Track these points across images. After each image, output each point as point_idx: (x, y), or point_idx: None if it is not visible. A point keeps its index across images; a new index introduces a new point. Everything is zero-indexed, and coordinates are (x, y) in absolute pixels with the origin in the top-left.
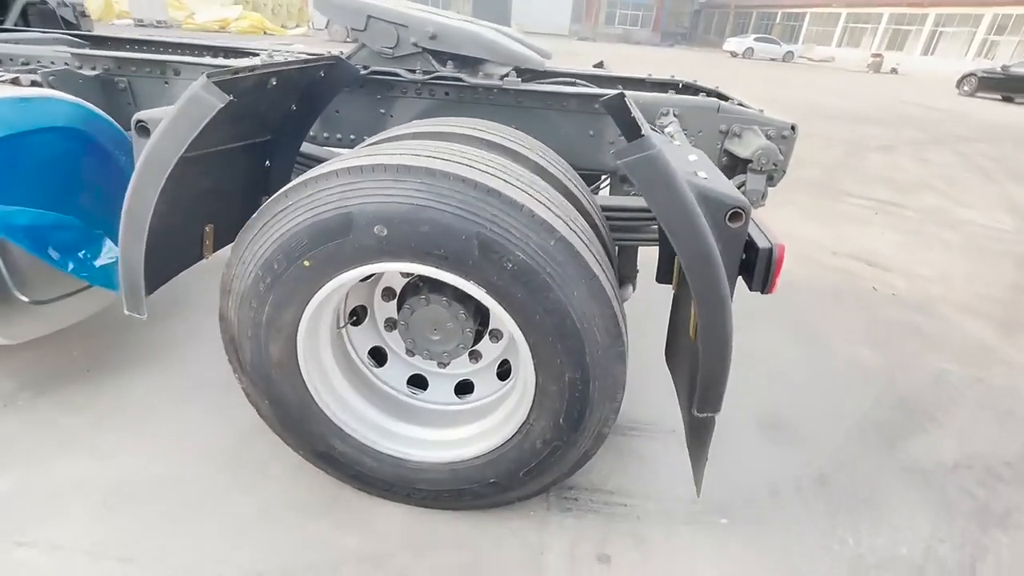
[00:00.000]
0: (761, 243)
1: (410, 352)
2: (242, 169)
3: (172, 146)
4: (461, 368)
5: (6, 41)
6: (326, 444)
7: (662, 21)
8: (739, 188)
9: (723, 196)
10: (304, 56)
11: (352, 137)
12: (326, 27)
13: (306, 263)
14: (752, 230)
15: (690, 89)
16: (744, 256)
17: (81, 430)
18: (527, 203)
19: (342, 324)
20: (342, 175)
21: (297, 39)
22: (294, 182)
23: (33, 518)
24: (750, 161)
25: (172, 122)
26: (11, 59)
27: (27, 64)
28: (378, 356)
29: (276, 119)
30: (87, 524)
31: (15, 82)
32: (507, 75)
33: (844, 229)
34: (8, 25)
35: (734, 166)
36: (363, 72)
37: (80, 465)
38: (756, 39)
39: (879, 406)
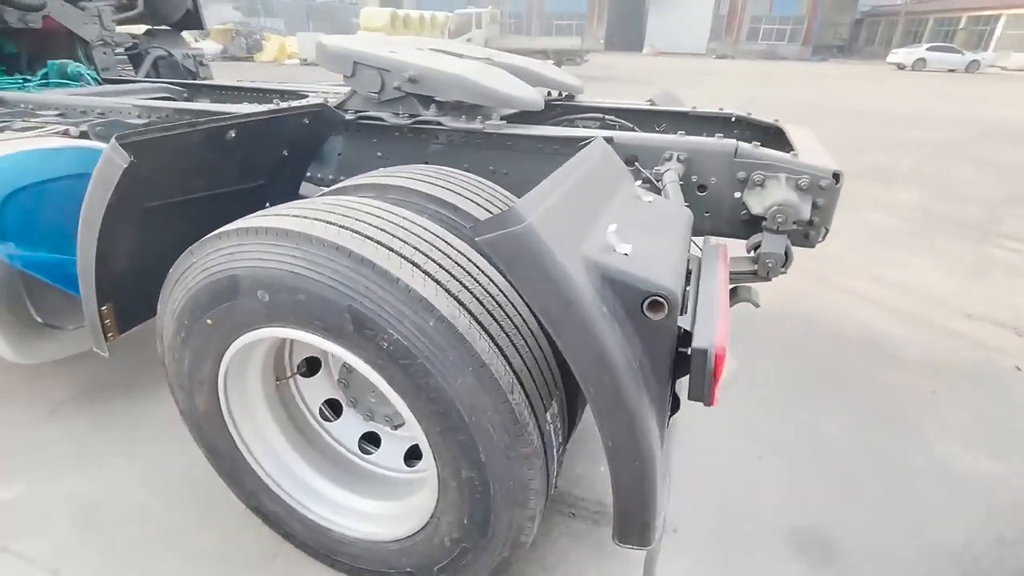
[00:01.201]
0: (698, 341)
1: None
2: (236, 212)
3: (97, 202)
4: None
5: (115, 92)
6: (256, 499)
7: (813, 33)
8: (754, 250)
9: (637, 281)
10: (291, 104)
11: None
12: None
13: (208, 321)
14: (703, 321)
15: (743, 124)
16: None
17: (99, 447)
18: (405, 276)
19: (289, 374)
20: (232, 236)
21: None
22: (202, 240)
23: (18, 528)
24: (765, 218)
25: (92, 181)
26: (90, 110)
27: (102, 115)
28: (337, 409)
29: (267, 164)
30: (61, 541)
31: (65, 134)
32: (508, 116)
33: (991, 283)
34: (140, 76)
35: (754, 222)
36: (348, 117)
37: (80, 482)
38: (930, 48)
39: (985, 539)
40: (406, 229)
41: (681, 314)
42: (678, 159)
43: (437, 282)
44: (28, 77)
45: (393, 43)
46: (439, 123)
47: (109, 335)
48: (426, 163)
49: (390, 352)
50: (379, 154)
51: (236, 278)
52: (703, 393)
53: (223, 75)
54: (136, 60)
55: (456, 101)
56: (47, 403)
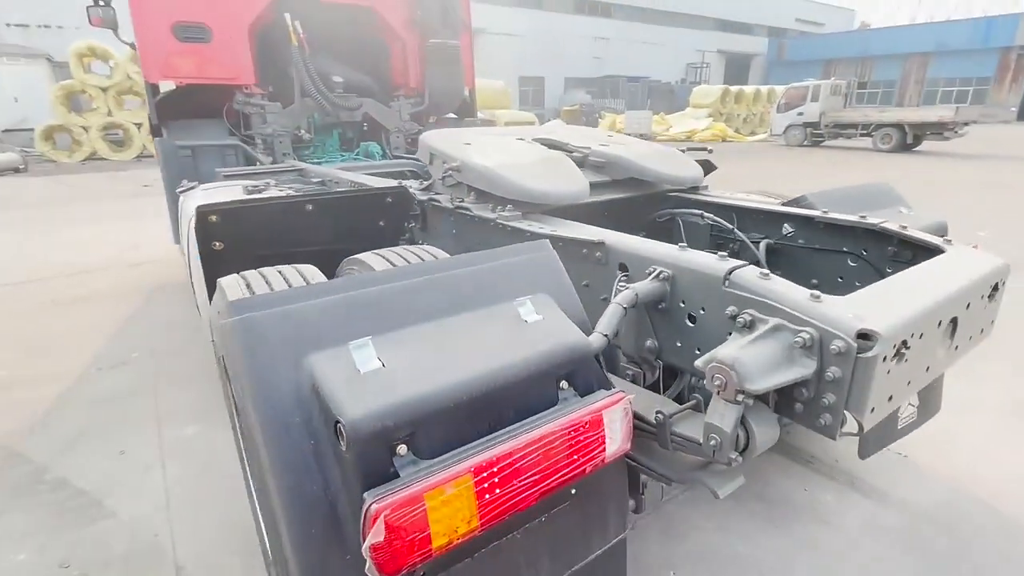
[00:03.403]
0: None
1: None
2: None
3: (194, 249)
4: None
5: (364, 167)
6: None
7: None
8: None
9: (334, 402)
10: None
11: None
12: (783, 133)
13: None
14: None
15: (899, 240)
16: None
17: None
18: None
19: None
20: None
21: (757, 144)
22: None
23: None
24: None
25: (188, 232)
26: (312, 176)
27: (321, 181)
28: None
29: (370, 231)
30: None
31: (255, 189)
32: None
33: None
34: (400, 153)
35: None
36: (420, 198)
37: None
38: None
39: None
40: None
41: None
42: (660, 276)
43: None
44: (344, 154)
45: (496, 133)
46: (468, 209)
47: None
48: (472, 244)
49: None
50: (454, 231)
51: None
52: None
53: None
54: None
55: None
56: None
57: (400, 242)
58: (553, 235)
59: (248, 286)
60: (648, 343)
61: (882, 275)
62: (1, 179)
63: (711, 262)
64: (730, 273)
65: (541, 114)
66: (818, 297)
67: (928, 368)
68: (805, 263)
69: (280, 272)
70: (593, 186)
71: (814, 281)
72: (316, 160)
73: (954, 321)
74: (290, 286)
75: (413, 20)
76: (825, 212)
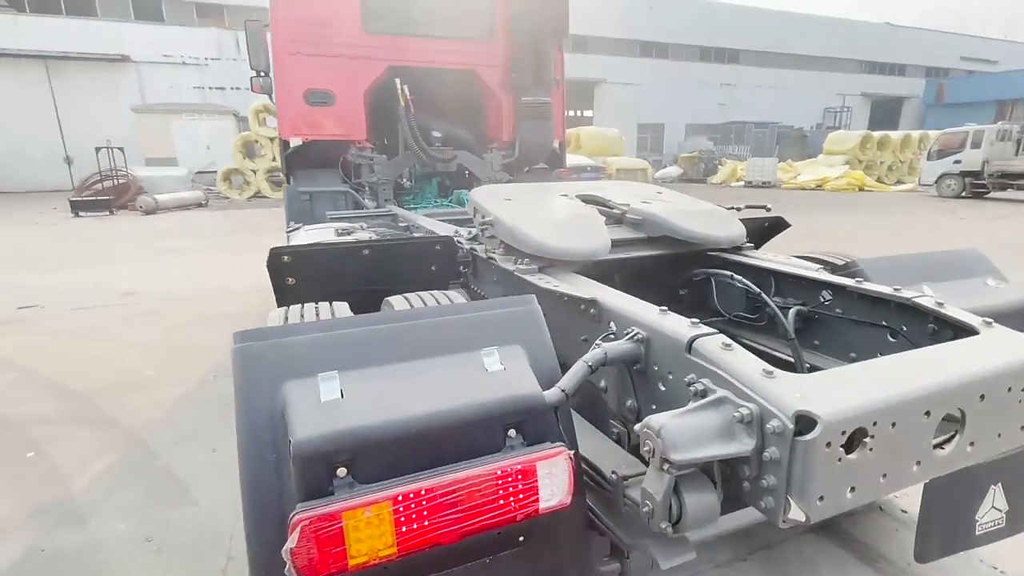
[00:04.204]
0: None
1: None
2: None
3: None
4: None
5: (447, 215)
6: None
7: None
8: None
9: (291, 424)
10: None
11: (482, 293)
12: (935, 183)
13: None
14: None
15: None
16: None
17: None
18: None
19: None
20: None
21: (900, 195)
22: None
23: None
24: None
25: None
26: (399, 221)
27: (407, 227)
28: None
29: (423, 274)
30: None
31: (344, 232)
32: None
33: None
34: None
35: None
36: (465, 247)
37: None
38: None
39: None
40: None
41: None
42: (636, 338)
43: None
44: (439, 200)
45: (541, 190)
46: (495, 260)
47: None
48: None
49: None
50: (494, 279)
51: None
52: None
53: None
54: None
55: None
56: None
57: (452, 286)
58: (555, 290)
59: (287, 318)
60: (629, 403)
61: None
62: (186, 212)
63: (679, 328)
64: (692, 341)
65: (659, 160)
66: (771, 373)
67: (919, 464)
68: (843, 335)
69: (316, 307)
70: (628, 243)
71: (852, 355)
72: (414, 206)
73: (960, 414)
74: (318, 319)
75: (509, 80)
76: (859, 282)
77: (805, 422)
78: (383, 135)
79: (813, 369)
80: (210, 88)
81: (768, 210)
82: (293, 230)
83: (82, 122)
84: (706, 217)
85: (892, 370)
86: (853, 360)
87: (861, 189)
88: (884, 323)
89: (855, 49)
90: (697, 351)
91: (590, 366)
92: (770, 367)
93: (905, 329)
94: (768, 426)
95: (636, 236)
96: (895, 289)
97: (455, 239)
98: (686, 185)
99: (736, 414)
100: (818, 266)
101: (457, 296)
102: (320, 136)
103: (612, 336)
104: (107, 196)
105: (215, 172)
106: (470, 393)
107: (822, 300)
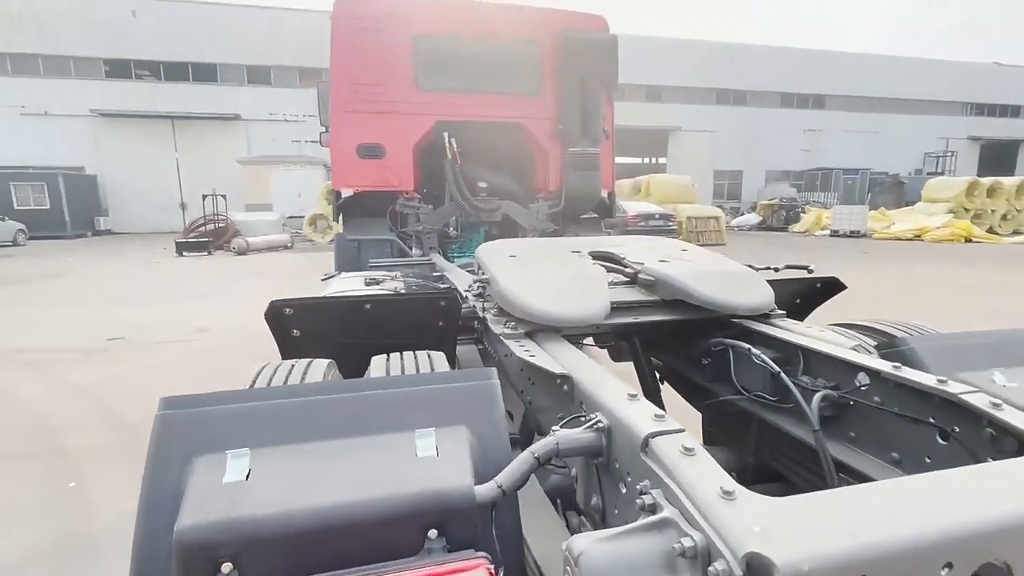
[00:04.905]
0: None
1: None
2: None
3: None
4: None
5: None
6: None
7: None
8: None
9: (181, 508)
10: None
11: (492, 352)
12: None
13: None
14: None
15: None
16: None
17: None
18: None
19: None
20: None
21: (1016, 247)
22: None
23: None
24: None
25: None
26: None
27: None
28: None
29: (431, 329)
30: None
31: (373, 281)
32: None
33: None
34: None
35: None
36: (469, 304)
37: None
38: None
39: None
40: None
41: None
42: (596, 426)
43: None
44: None
45: (551, 246)
46: (487, 320)
47: None
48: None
49: None
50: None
51: None
52: None
53: (742, 243)
54: None
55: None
56: None
57: (463, 341)
58: (529, 361)
59: (255, 380)
60: (594, 500)
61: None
62: (274, 253)
63: (639, 420)
64: (648, 439)
65: (736, 207)
66: (731, 493)
67: None
68: (885, 429)
69: (292, 364)
70: (637, 306)
71: (894, 455)
72: (459, 254)
73: (1006, 568)
74: (287, 381)
75: (556, 132)
76: (896, 367)
77: (759, 568)
78: (431, 186)
79: (841, 468)
80: (305, 141)
81: (810, 272)
82: (327, 278)
83: (196, 172)
84: (727, 280)
85: (902, 498)
86: (896, 462)
87: (968, 240)
88: (932, 420)
89: (959, 91)
90: (652, 453)
91: (537, 458)
92: (732, 486)
93: (957, 431)
94: (712, 568)
95: (648, 299)
96: (939, 380)
97: (463, 294)
98: (766, 234)
99: (677, 545)
100: (856, 342)
101: (440, 359)
102: (370, 187)
103: (582, 419)
104: (207, 238)
105: (303, 217)
106: (389, 483)
107: (857, 385)
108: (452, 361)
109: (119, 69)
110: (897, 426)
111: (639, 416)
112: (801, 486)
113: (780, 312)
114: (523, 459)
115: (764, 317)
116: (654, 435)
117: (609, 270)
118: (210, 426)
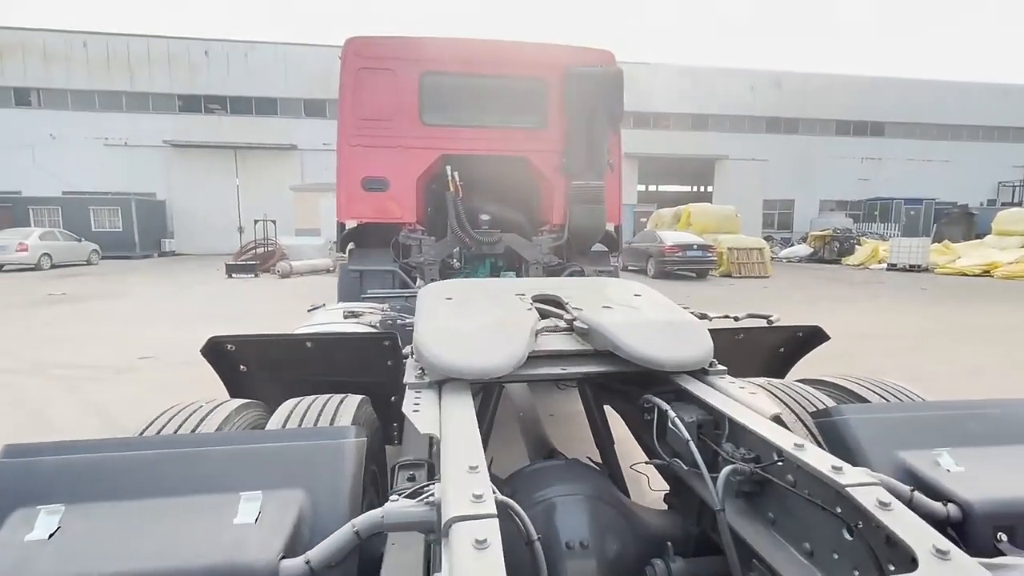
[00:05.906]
0: None
1: None
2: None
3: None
4: None
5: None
6: None
7: None
8: None
9: None
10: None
11: None
12: None
13: None
14: None
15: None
16: None
17: None
18: None
19: None
20: None
21: None
22: None
23: None
24: None
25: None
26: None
27: None
28: None
29: (381, 368)
30: None
31: (351, 314)
32: None
33: None
34: None
35: None
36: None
37: None
38: None
39: None
40: None
41: None
42: (427, 499)
43: None
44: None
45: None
46: (407, 367)
47: None
48: None
49: None
50: None
51: None
52: None
53: (786, 276)
54: (558, 272)
55: None
56: None
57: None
58: (405, 415)
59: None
60: None
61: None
62: (316, 276)
63: (453, 499)
64: (450, 525)
65: (787, 238)
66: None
67: None
68: (799, 515)
69: (202, 405)
70: (563, 357)
71: (806, 546)
72: None
73: None
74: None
75: (561, 165)
76: (798, 445)
77: None
78: (435, 218)
79: (753, 556)
80: None
81: (771, 322)
82: (313, 308)
83: (254, 198)
84: (661, 332)
85: None
86: (809, 554)
87: None
88: (839, 511)
89: None
90: (450, 543)
91: (356, 532)
92: None
93: (860, 527)
94: None
95: (580, 349)
96: (834, 468)
97: (398, 339)
98: (816, 266)
99: None
100: (780, 410)
101: (352, 403)
102: (373, 219)
103: (426, 488)
104: (254, 261)
105: None
106: (190, 553)
107: (774, 460)
108: (393, 403)
109: (191, 103)
110: (809, 512)
111: (455, 493)
112: None
113: (720, 368)
114: (341, 534)
115: (702, 373)
116: (456, 520)
117: (550, 315)
118: (36, 478)
